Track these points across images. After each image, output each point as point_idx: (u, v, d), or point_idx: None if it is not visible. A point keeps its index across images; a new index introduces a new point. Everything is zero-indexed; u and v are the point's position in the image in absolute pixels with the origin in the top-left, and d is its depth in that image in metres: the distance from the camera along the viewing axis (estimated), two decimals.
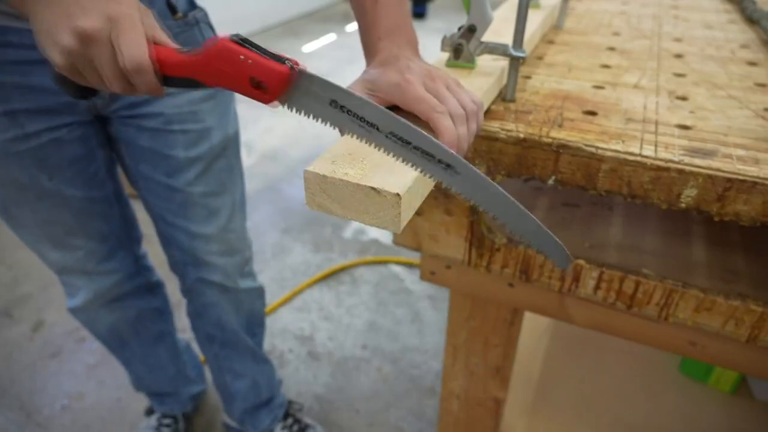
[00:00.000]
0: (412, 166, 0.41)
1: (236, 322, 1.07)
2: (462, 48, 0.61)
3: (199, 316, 1.06)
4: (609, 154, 0.53)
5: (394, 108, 0.50)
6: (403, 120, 0.40)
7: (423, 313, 1.66)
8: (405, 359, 1.49)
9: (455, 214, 0.65)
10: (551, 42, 0.88)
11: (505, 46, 0.59)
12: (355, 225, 2.07)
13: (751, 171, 0.49)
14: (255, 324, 1.13)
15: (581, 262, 0.61)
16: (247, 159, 2.52)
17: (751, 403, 1.06)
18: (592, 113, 0.61)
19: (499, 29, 0.77)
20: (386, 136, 0.40)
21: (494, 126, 0.57)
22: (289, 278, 1.80)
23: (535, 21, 0.81)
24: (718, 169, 0.50)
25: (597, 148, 0.53)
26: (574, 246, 0.66)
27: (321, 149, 2.04)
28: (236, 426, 1.23)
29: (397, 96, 0.48)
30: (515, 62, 0.60)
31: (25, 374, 1.44)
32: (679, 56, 0.82)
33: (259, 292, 1.10)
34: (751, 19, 1.00)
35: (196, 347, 1.35)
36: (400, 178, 0.41)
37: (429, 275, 0.75)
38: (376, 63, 0.53)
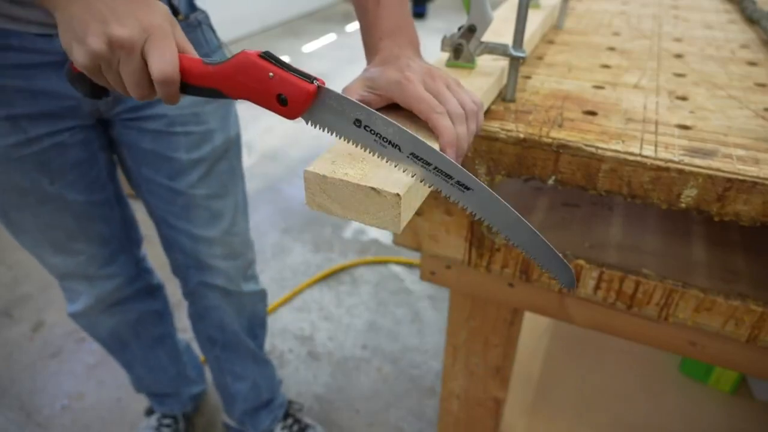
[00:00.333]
0: (430, 186, 0.42)
1: (238, 325, 1.06)
2: (462, 48, 0.61)
3: (201, 318, 1.06)
4: (609, 154, 0.53)
5: (394, 106, 0.50)
6: (424, 141, 0.40)
7: (423, 313, 1.66)
8: (405, 359, 1.49)
9: (455, 214, 0.65)
10: (551, 42, 0.88)
11: (505, 46, 0.59)
12: (355, 225, 2.07)
13: (751, 171, 0.49)
14: (256, 326, 1.12)
15: (581, 262, 0.61)
16: (247, 159, 2.52)
17: (751, 403, 1.06)
18: (592, 113, 0.61)
19: (499, 29, 0.77)
20: (407, 156, 0.41)
21: (494, 126, 0.57)
22: (289, 278, 1.80)
23: (535, 21, 0.81)
24: (718, 169, 0.50)
25: (597, 148, 0.53)
26: (574, 246, 0.66)
27: (321, 149, 2.04)
28: (236, 426, 1.23)
29: (397, 93, 0.48)
30: (515, 62, 0.60)
31: (25, 374, 1.44)
32: (679, 56, 0.82)
33: (262, 295, 1.10)
34: (751, 19, 1.00)
35: (195, 347, 1.35)
36: (400, 178, 0.41)
37: (429, 275, 0.75)
38: (376, 62, 0.53)
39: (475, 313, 0.78)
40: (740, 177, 0.49)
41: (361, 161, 0.43)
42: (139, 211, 0.95)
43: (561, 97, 0.65)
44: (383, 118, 0.40)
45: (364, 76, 0.51)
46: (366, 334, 1.58)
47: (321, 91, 0.41)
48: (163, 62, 0.41)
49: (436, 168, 0.41)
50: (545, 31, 0.91)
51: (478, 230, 0.65)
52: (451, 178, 0.41)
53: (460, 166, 0.41)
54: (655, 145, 0.53)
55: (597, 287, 0.62)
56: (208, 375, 1.37)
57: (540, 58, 0.79)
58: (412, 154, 0.41)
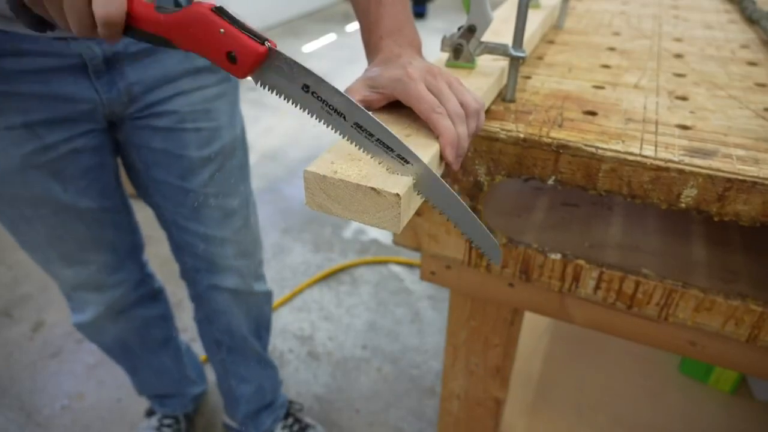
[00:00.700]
0: (371, 156, 0.43)
1: (245, 327, 1.06)
2: (462, 48, 0.61)
3: (209, 322, 1.05)
4: (609, 154, 0.53)
5: (396, 104, 0.50)
6: (368, 113, 0.42)
7: (423, 313, 1.66)
8: (405, 359, 1.49)
9: None
10: (551, 42, 0.88)
11: (505, 46, 0.59)
12: (355, 225, 2.07)
13: (751, 171, 0.49)
14: (262, 328, 1.12)
15: (581, 262, 0.61)
16: None
17: (751, 403, 1.06)
18: (592, 113, 0.61)
19: (499, 29, 0.77)
20: (351, 126, 0.42)
21: (494, 126, 0.57)
22: (289, 278, 1.80)
23: (535, 21, 0.81)
24: (718, 169, 0.50)
25: (597, 148, 0.53)
26: (574, 246, 0.66)
27: (321, 149, 2.04)
28: (237, 427, 1.23)
29: (399, 90, 0.48)
30: (515, 62, 0.60)
31: (25, 374, 1.44)
32: (679, 56, 0.82)
33: (268, 296, 1.10)
34: (751, 19, 1.00)
35: (195, 347, 1.35)
36: (400, 178, 0.41)
37: (429, 275, 0.75)
38: (378, 61, 0.53)
39: (475, 313, 0.78)
40: (740, 177, 0.49)
41: (360, 161, 0.43)
42: (137, 213, 0.95)
43: (561, 97, 0.65)
44: (331, 86, 0.41)
45: (365, 75, 0.51)
46: (366, 334, 1.58)
47: (271, 53, 0.41)
48: (108, 2, 0.39)
49: (378, 140, 0.42)
50: (545, 31, 0.91)
51: None
52: (392, 150, 0.42)
53: (401, 139, 0.41)
54: (655, 145, 0.53)
55: (597, 287, 0.62)
56: (209, 375, 1.37)
57: (540, 58, 0.79)
58: (356, 124, 0.42)
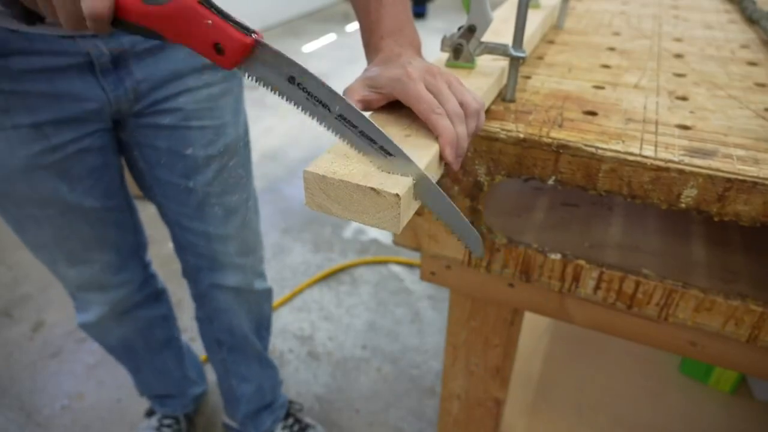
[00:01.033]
0: (354, 148, 0.43)
1: (246, 326, 1.06)
2: (462, 48, 0.61)
3: (210, 321, 1.05)
4: (609, 154, 0.53)
5: (396, 104, 0.50)
6: (353, 105, 0.42)
7: (423, 313, 1.66)
8: (405, 359, 1.49)
9: None
10: (551, 42, 0.88)
11: (505, 46, 0.59)
12: (355, 225, 2.07)
13: (751, 171, 0.49)
14: (263, 327, 1.12)
15: (581, 262, 0.61)
16: None
17: (751, 403, 1.06)
18: (592, 113, 0.61)
19: (499, 29, 0.77)
20: (335, 118, 0.43)
21: (494, 126, 0.57)
22: (289, 278, 1.80)
23: (535, 21, 0.81)
24: (718, 169, 0.50)
25: (597, 148, 0.53)
26: (574, 246, 0.66)
27: (321, 149, 2.04)
28: (237, 427, 1.23)
29: (398, 90, 0.48)
30: (515, 62, 0.60)
31: (25, 374, 1.44)
32: (679, 56, 0.82)
33: (268, 294, 1.10)
34: (751, 19, 1.00)
35: (195, 346, 1.35)
36: (400, 178, 0.41)
37: (429, 275, 0.75)
38: (377, 61, 0.53)
39: (475, 313, 0.78)
40: (740, 177, 0.49)
41: (360, 161, 0.43)
42: (141, 213, 0.95)
43: (561, 97, 0.65)
44: (316, 78, 0.42)
45: (365, 75, 0.51)
46: (366, 334, 1.58)
47: (258, 45, 0.41)
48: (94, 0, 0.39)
49: (361, 132, 0.42)
50: (545, 31, 0.91)
51: (478, 230, 0.65)
52: (375, 142, 0.42)
53: (383, 132, 0.42)
54: (655, 145, 0.53)
55: (597, 287, 0.62)
56: (209, 375, 1.37)
57: (540, 58, 0.79)
58: (340, 116, 0.42)
